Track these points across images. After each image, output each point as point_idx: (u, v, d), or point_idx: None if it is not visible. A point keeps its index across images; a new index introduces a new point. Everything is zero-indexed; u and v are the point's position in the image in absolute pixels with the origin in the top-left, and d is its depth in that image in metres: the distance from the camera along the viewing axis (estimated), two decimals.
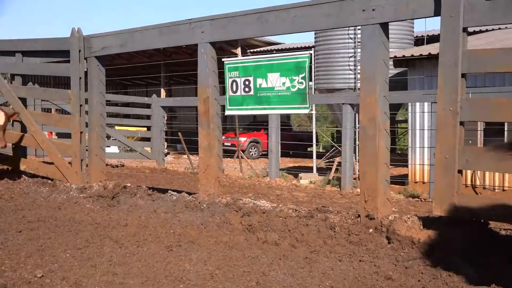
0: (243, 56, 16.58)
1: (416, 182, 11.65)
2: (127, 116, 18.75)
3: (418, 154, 11.66)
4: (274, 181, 11.65)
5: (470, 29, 4.32)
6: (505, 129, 10.64)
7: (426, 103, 10.71)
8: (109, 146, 14.56)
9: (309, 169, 13.78)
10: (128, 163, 14.24)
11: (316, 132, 16.08)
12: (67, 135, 9.18)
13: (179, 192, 6.36)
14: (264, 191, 9.25)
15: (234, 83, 5.76)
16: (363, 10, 4.50)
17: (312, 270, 3.65)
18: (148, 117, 14.71)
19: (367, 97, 4.57)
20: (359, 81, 9.68)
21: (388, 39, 4.57)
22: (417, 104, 11.30)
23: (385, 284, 3.36)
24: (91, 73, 7.12)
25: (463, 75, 3.99)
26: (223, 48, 17.36)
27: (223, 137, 12.01)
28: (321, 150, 22.54)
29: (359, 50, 9.13)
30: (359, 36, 8.66)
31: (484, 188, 10.72)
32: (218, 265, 3.71)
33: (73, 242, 4.30)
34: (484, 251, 3.81)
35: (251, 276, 3.51)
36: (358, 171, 6.89)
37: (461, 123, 4.00)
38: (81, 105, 7.13)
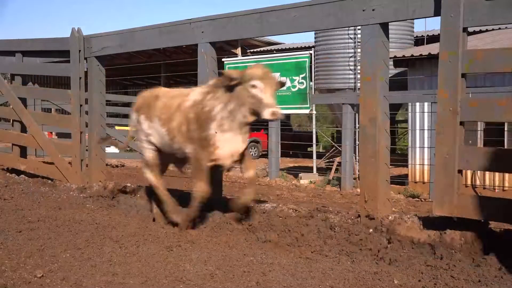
0: (243, 56, 16.58)
1: (416, 182, 11.63)
2: (127, 116, 18.71)
3: (418, 154, 11.65)
4: (274, 181, 11.64)
5: (470, 29, 4.31)
6: (505, 129, 10.64)
7: (426, 103, 10.69)
8: (109, 146, 14.53)
9: (309, 169, 13.75)
10: (128, 163, 14.23)
11: (316, 132, 16.06)
12: (67, 135, 9.19)
13: (179, 192, 6.37)
14: (264, 191, 9.24)
15: None
16: (363, 10, 4.50)
17: (312, 270, 3.64)
18: None
19: (367, 97, 4.57)
20: (359, 81, 9.69)
21: (388, 39, 4.57)
22: (417, 104, 11.27)
23: (386, 284, 3.36)
24: (91, 73, 7.12)
25: (463, 75, 3.98)
26: (223, 48, 17.35)
27: None
28: (321, 150, 22.51)
29: (359, 50, 9.12)
30: (359, 36, 8.64)
31: (484, 188, 10.71)
32: (218, 265, 3.71)
33: (73, 242, 4.30)
34: (484, 251, 3.82)
35: (251, 276, 3.51)
36: (358, 171, 6.89)
37: (461, 123, 4.00)
38: (81, 105, 7.13)
